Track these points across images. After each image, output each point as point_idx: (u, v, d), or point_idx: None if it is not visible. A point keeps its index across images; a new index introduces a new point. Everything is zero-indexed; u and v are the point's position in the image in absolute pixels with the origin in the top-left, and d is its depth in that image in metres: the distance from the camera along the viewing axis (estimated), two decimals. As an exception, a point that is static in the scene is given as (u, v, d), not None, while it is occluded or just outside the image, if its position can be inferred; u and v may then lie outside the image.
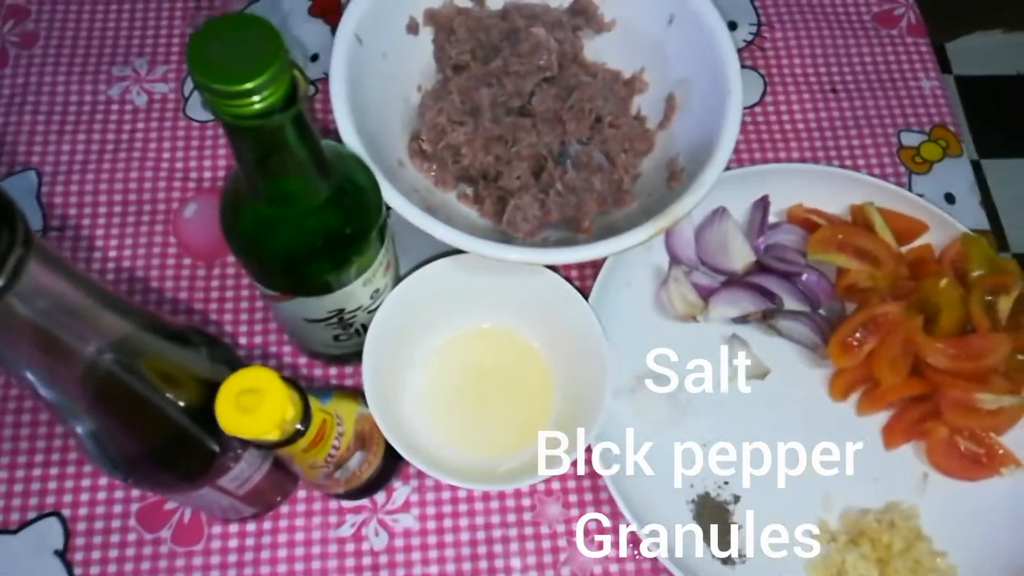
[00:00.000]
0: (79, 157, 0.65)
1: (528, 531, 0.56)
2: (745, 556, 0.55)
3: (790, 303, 0.59)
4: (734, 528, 0.55)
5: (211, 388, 0.36)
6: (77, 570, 0.53)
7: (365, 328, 0.52)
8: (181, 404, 0.39)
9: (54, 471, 0.55)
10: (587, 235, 0.56)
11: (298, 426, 0.39)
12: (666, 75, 0.60)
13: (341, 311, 0.48)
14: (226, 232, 0.43)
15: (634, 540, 0.56)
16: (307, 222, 0.42)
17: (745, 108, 0.69)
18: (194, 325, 0.42)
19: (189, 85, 0.68)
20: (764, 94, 0.70)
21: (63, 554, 0.53)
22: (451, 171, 0.59)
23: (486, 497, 0.56)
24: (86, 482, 0.55)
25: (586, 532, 0.56)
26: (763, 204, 0.63)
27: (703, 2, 0.57)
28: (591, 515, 0.56)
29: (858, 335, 0.57)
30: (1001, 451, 0.56)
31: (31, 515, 0.54)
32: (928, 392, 0.57)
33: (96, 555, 0.54)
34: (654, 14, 0.60)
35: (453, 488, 0.57)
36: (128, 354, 0.36)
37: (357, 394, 0.49)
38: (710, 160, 0.53)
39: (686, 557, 0.53)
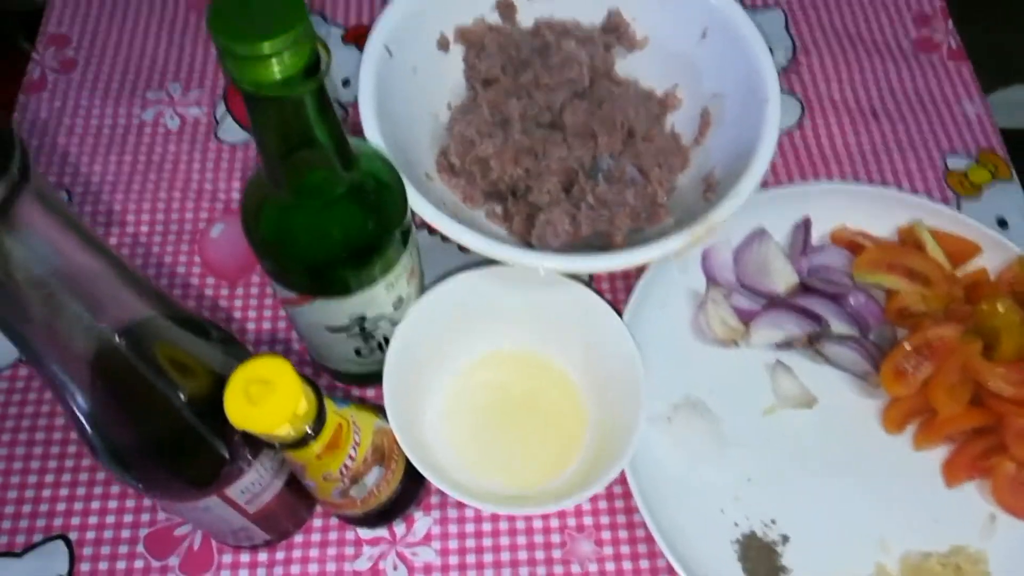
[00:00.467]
0: (110, 178, 0.65)
1: (558, 570, 0.52)
2: (795, 600, 0.50)
3: (838, 326, 0.56)
4: (783, 571, 0.51)
5: (223, 386, 0.34)
6: (80, 596, 0.50)
7: (387, 342, 0.50)
8: (192, 399, 0.37)
9: (63, 492, 0.53)
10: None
11: (310, 427, 0.37)
12: (700, 90, 0.59)
13: (363, 318, 0.46)
14: (246, 226, 0.42)
15: (672, 579, 0.51)
16: (328, 213, 0.40)
17: (782, 131, 0.67)
18: (213, 320, 0.40)
19: (221, 109, 0.68)
20: (802, 118, 0.68)
21: (67, 579, 0.51)
22: (480, 186, 0.57)
23: (512, 532, 0.53)
24: (95, 505, 0.53)
25: (620, 573, 0.52)
26: (805, 225, 0.60)
27: (737, 11, 0.56)
28: (626, 554, 0.52)
29: (912, 361, 0.53)
30: (1075, 487, 0.51)
31: (37, 538, 0.52)
32: (991, 424, 0.53)
33: (101, 582, 0.51)
34: (687, 29, 0.59)
35: (477, 520, 0.53)
36: (142, 338, 0.34)
37: (377, 410, 0.47)
38: (748, 168, 0.51)
39: (729, 599, 0.49)
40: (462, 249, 0.61)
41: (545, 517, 0.53)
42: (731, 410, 0.55)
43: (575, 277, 0.53)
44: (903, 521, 0.52)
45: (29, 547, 0.52)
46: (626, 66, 0.62)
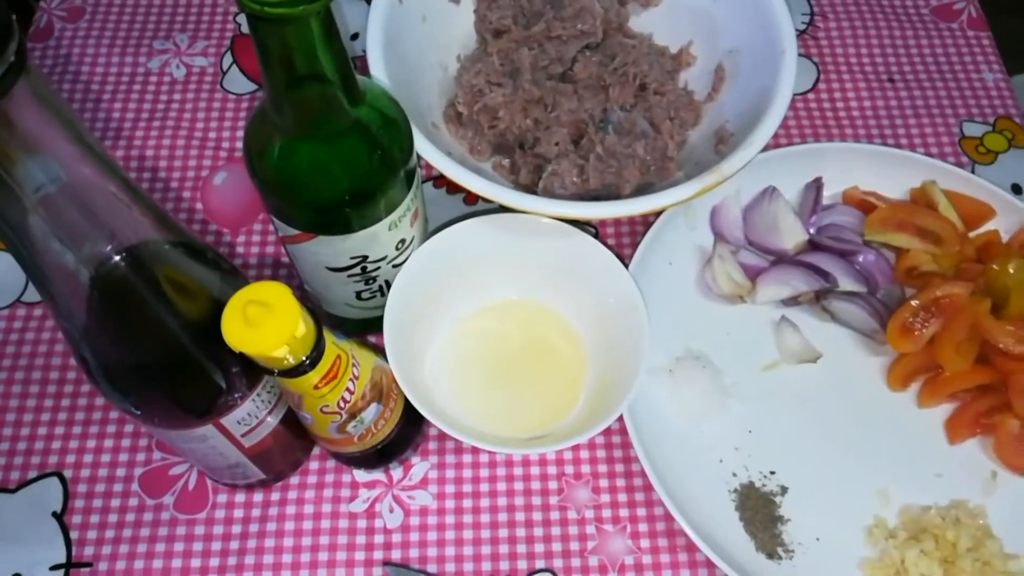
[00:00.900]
0: (113, 124, 0.64)
1: (554, 516, 0.51)
2: (792, 552, 0.50)
3: (845, 283, 0.55)
4: (780, 521, 0.50)
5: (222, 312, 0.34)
6: (73, 533, 0.50)
7: (389, 286, 0.49)
8: (192, 323, 0.36)
9: (59, 431, 0.53)
10: (628, 202, 0.53)
11: (308, 355, 0.36)
12: (715, 46, 0.58)
13: (364, 258, 0.46)
14: (248, 160, 0.41)
15: (669, 530, 0.51)
16: (332, 148, 0.40)
17: (797, 94, 0.67)
18: (216, 250, 0.40)
19: (228, 59, 0.68)
20: (817, 81, 0.67)
21: (60, 516, 0.51)
22: (487, 137, 0.57)
23: (509, 478, 0.52)
24: (91, 443, 0.53)
25: (616, 520, 0.51)
26: (816, 185, 0.59)
27: (755, -35, 0.55)
28: (623, 502, 0.52)
29: (920, 317, 0.53)
30: (1082, 449, 0.51)
31: (31, 474, 0.52)
32: (997, 382, 0.52)
33: (95, 519, 0.51)
34: (703, -17, 0.58)
35: (474, 466, 0.53)
36: (144, 258, 0.34)
37: (376, 350, 0.46)
38: (763, 118, 0.50)
39: (727, 550, 0.48)
40: (467, 201, 0.61)
41: (542, 463, 0.53)
42: (734, 364, 0.55)
43: (581, 228, 0.52)
44: (904, 475, 0.52)
45: (23, 483, 0.51)
46: (640, 23, 0.61)
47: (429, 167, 0.62)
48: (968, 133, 0.65)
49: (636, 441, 0.50)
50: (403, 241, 0.47)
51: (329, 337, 0.38)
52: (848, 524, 0.51)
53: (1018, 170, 0.63)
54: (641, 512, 0.52)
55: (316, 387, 0.38)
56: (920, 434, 0.53)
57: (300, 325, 0.34)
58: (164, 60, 0.67)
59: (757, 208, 0.58)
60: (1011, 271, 0.53)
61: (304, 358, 0.36)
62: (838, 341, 0.56)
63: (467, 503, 0.52)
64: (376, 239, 0.45)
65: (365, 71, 0.50)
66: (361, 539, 0.50)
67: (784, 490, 0.52)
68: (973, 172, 0.63)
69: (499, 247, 0.52)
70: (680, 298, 0.57)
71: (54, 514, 0.51)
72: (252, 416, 0.42)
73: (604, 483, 0.52)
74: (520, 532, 0.51)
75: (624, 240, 0.60)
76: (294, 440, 0.49)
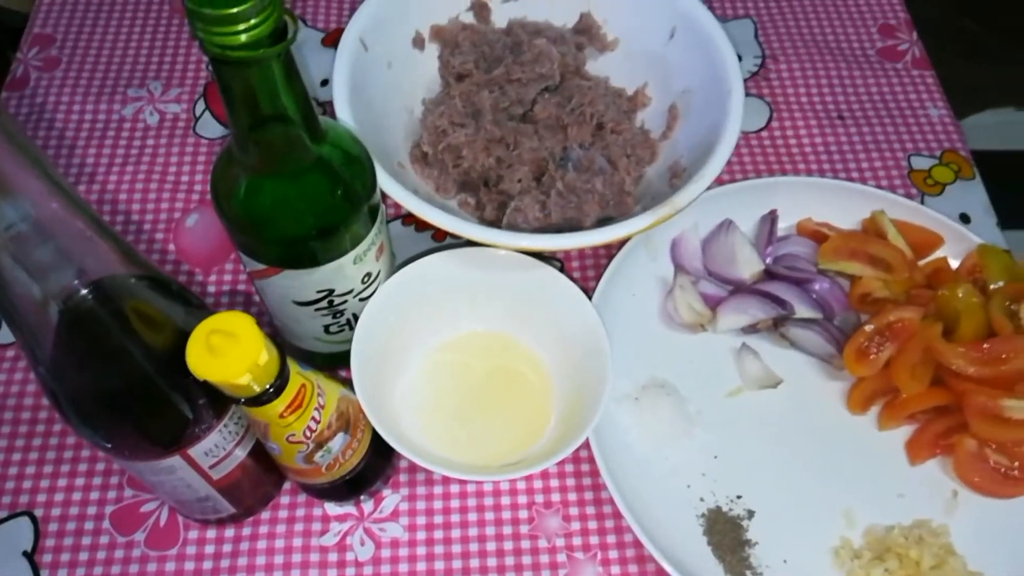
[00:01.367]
0: (87, 170, 0.66)
1: (525, 545, 0.52)
2: (761, 574, 0.50)
3: (802, 310, 0.57)
4: (748, 544, 0.51)
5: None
6: (44, 572, 0.50)
7: (356, 319, 0.50)
8: (158, 356, 0.37)
9: (30, 471, 0.53)
10: (589, 235, 0.55)
11: (273, 383, 0.37)
12: (668, 87, 0.61)
13: (331, 292, 0.47)
14: (215, 196, 0.43)
15: (639, 556, 0.51)
16: (295, 184, 0.41)
17: (751, 133, 0.69)
18: (182, 284, 0.41)
19: (200, 106, 0.69)
20: (770, 120, 0.70)
21: (31, 555, 0.50)
22: (452, 176, 0.58)
23: (480, 508, 0.53)
24: (61, 482, 0.53)
25: (587, 548, 0.52)
26: (771, 217, 0.61)
27: (702, 12, 0.58)
28: (593, 529, 0.52)
29: (875, 342, 0.54)
30: (1035, 465, 0.52)
31: (2, 514, 0.52)
32: (952, 403, 0.53)
33: (65, 557, 0.50)
34: (656, 29, 0.61)
35: (445, 498, 0.53)
36: (110, 292, 0.35)
37: (343, 382, 0.47)
38: (713, 154, 0.52)
39: (696, 574, 0.49)
40: (435, 239, 0.62)
41: (513, 493, 0.53)
42: (697, 391, 0.56)
43: (547, 261, 0.54)
44: (868, 497, 0.53)
45: (-6, 525, 0.51)
46: (597, 67, 0.64)
47: (398, 206, 0.64)
48: (916, 166, 0.68)
49: (604, 469, 0.51)
50: (369, 275, 0.48)
51: (293, 366, 0.39)
52: (814, 546, 0.52)
53: (965, 200, 0.66)
54: (611, 539, 0.52)
55: (281, 415, 0.39)
56: (882, 456, 0.55)
57: (263, 353, 0.35)
58: (138, 107, 0.69)
59: (715, 240, 0.60)
60: (960, 295, 0.55)
61: (268, 386, 0.37)
62: (798, 367, 0.57)
63: (438, 534, 0.52)
64: (342, 272, 0.46)
65: (333, 116, 0.52)
66: (332, 572, 0.51)
67: (751, 514, 0.52)
68: (923, 203, 0.66)
69: (465, 280, 0.54)
70: (643, 328, 0.58)
71: (24, 553, 0.50)
72: (219, 447, 0.42)
73: (574, 511, 0.53)
74: (491, 562, 0.51)
75: (589, 273, 0.62)
76: (263, 474, 0.49)
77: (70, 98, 0.69)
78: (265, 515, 0.52)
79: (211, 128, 0.68)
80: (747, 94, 0.71)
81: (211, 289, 0.60)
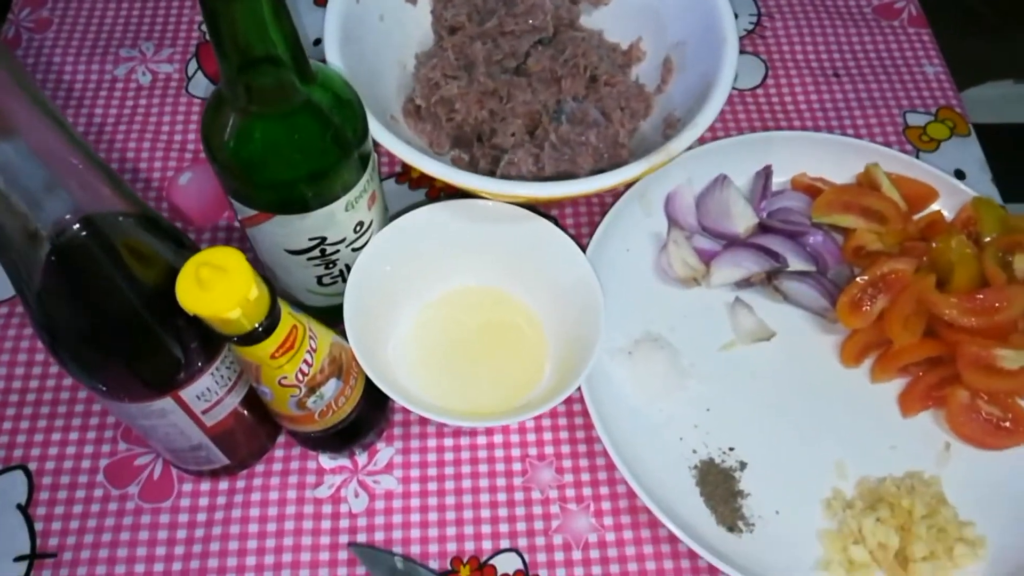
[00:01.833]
0: (80, 129, 0.65)
1: (519, 496, 0.52)
2: (753, 525, 0.50)
3: (795, 263, 0.57)
4: (740, 495, 0.51)
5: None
6: (38, 525, 0.50)
7: (350, 269, 0.50)
8: (149, 294, 0.37)
9: (24, 425, 0.53)
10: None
11: (263, 323, 0.37)
12: (662, 40, 0.60)
13: (323, 240, 0.47)
14: (205, 141, 0.42)
15: (631, 507, 0.52)
16: (284, 124, 0.41)
17: (746, 90, 0.69)
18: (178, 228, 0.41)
19: (193, 66, 0.69)
20: (765, 77, 0.70)
21: (25, 508, 0.51)
22: (445, 130, 0.58)
23: (474, 461, 0.53)
24: (56, 436, 0.53)
25: (580, 499, 0.52)
26: (765, 172, 0.61)
27: (697, -39, 0.57)
28: (586, 481, 0.52)
29: (868, 293, 0.54)
30: (1027, 414, 0.52)
31: (-4, 468, 0.52)
32: (945, 354, 0.53)
33: (59, 510, 0.51)
34: (650, -19, 0.60)
35: (439, 450, 0.53)
36: (102, 228, 0.35)
37: (336, 330, 0.47)
38: (707, 103, 0.52)
39: (689, 524, 0.49)
40: (429, 196, 0.62)
41: (506, 446, 0.53)
42: (691, 345, 0.56)
43: (540, 213, 0.54)
44: (860, 449, 0.53)
45: (-12, 478, 0.51)
46: (592, 21, 0.64)
47: (391, 163, 0.64)
48: (912, 123, 0.67)
49: (597, 421, 0.51)
50: (361, 224, 0.48)
51: (285, 307, 0.39)
52: (806, 497, 0.52)
53: (960, 157, 0.66)
54: (604, 491, 0.52)
55: (273, 356, 0.39)
56: (874, 408, 0.55)
57: (253, 288, 0.35)
58: (130, 67, 0.69)
59: (709, 195, 0.60)
60: (953, 246, 0.54)
61: (258, 324, 0.37)
62: (791, 320, 0.57)
63: (432, 486, 0.52)
64: (333, 219, 0.46)
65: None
66: (326, 524, 0.51)
67: (743, 465, 0.53)
68: (918, 159, 0.65)
69: (459, 233, 0.53)
70: (638, 283, 0.58)
71: (18, 506, 0.51)
72: (211, 392, 0.42)
73: (567, 463, 0.53)
74: (485, 513, 0.51)
75: (583, 230, 0.62)
76: (257, 424, 0.49)
77: (62, 59, 0.69)
78: (259, 468, 0.52)
79: (203, 88, 0.68)
80: (743, 52, 0.71)
81: (204, 246, 0.60)
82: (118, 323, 0.37)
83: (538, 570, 0.50)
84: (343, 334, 0.47)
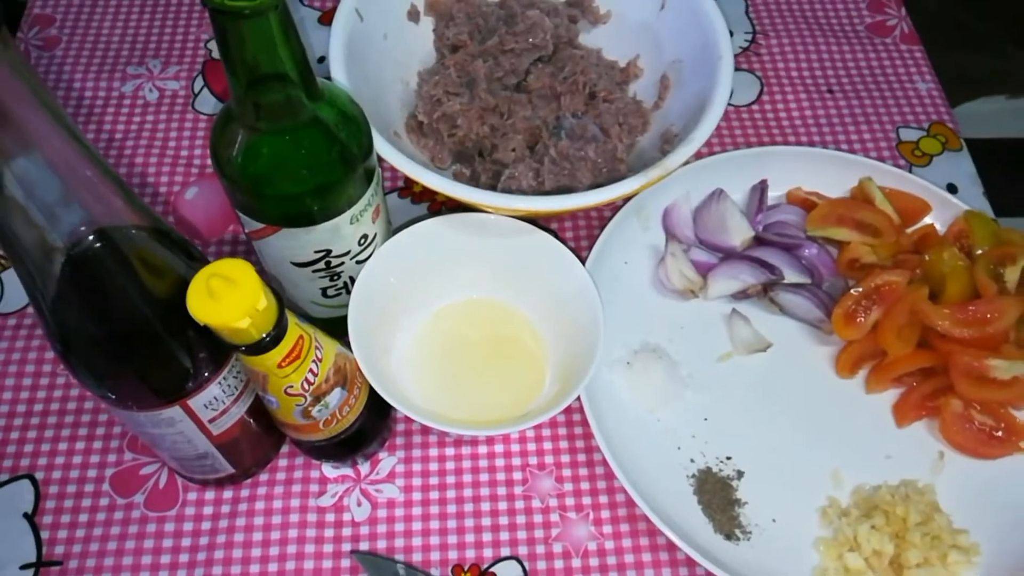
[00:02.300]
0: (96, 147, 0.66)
1: (519, 505, 0.53)
2: (750, 533, 0.51)
3: (791, 275, 0.58)
4: (737, 504, 0.52)
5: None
6: (44, 533, 0.51)
7: (354, 283, 0.51)
8: (160, 305, 0.38)
9: (31, 435, 0.54)
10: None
11: (270, 333, 0.38)
12: (660, 58, 0.61)
13: (328, 252, 0.48)
14: (213, 155, 0.43)
15: (630, 516, 0.52)
16: (291, 140, 0.42)
17: (742, 106, 0.70)
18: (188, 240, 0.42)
19: (199, 83, 0.70)
20: (761, 94, 0.71)
21: (31, 517, 0.51)
22: (447, 145, 0.59)
23: (475, 470, 0.54)
24: (62, 446, 0.54)
25: (580, 508, 0.53)
26: (761, 187, 0.62)
27: (692, -20, 0.59)
28: (586, 490, 0.53)
29: (862, 305, 0.55)
30: (1020, 423, 0.53)
31: (3, 477, 0.52)
32: (938, 365, 0.54)
33: (65, 519, 0.51)
34: (647, 1, 0.61)
35: (440, 460, 0.54)
36: (115, 239, 0.36)
37: (341, 341, 0.48)
38: (703, 119, 0.53)
39: (687, 532, 0.50)
40: (432, 211, 0.63)
41: (507, 455, 0.54)
42: (689, 356, 0.57)
43: (540, 226, 0.55)
44: (855, 458, 0.54)
45: (-4, 488, 0.52)
46: (590, 40, 0.65)
47: (394, 178, 0.65)
48: (904, 138, 0.69)
49: (597, 431, 0.52)
50: (365, 237, 0.49)
51: (292, 317, 0.40)
52: (803, 505, 0.53)
53: (952, 171, 0.67)
54: (603, 499, 0.53)
55: (280, 365, 0.40)
56: (869, 418, 0.56)
57: (262, 299, 0.36)
58: (137, 84, 0.70)
59: (706, 209, 0.61)
60: (946, 259, 0.56)
61: (266, 335, 0.38)
62: (787, 332, 0.58)
63: (434, 495, 0.53)
64: (338, 233, 0.47)
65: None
66: (329, 532, 0.52)
67: (740, 474, 0.53)
68: (910, 173, 0.66)
69: (461, 246, 0.54)
70: (636, 295, 0.59)
71: (25, 515, 0.51)
72: (219, 401, 0.43)
73: (567, 472, 0.54)
74: (486, 521, 0.52)
75: (583, 243, 0.63)
76: (262, 434, 0.50)
77: (70, 76, 0.70)
78: (263, 477, 0.53)
79: (210, 104, 0.69)
80: (738, 69, 0.72)
81: (212, 259, 0.61)
82: (129, 332, 0.38)
83: (538, 578, 0.50)
84: (348, 345, 0.48)
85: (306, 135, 0.43)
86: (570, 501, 0.53)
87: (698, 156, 0.64)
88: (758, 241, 0.60)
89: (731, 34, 0.74)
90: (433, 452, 0.54)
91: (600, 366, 0.55)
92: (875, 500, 0.51)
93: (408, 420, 0.55)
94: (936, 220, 0.61)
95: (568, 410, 0.56)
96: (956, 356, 0.53)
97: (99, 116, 0.68)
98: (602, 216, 0.63)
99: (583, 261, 0.55)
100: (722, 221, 0.60)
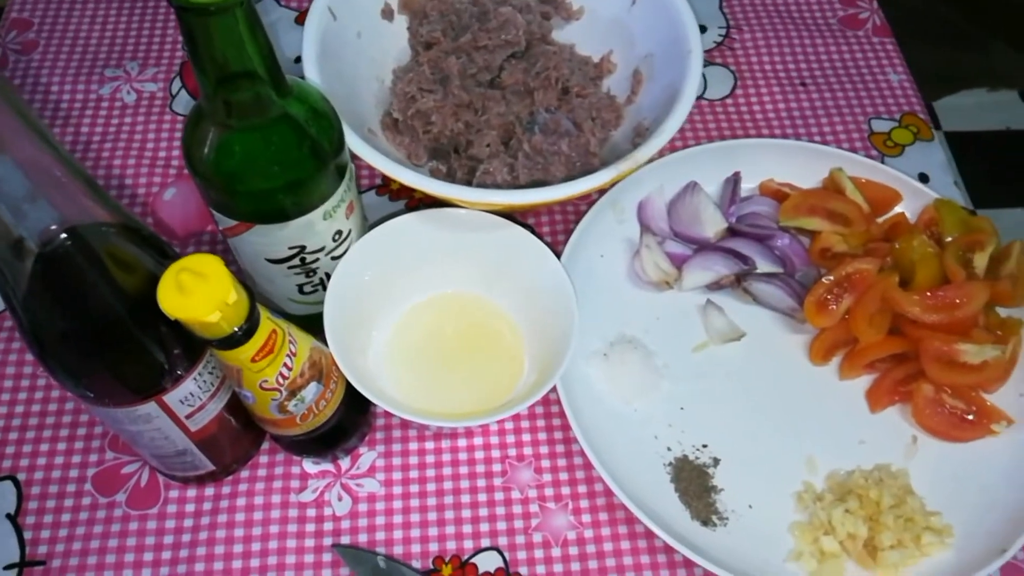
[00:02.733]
0: (66, 148, 0.67)
1: (499, 496, 0.53)
2: (726, 519, 0.52)
3: (764, 265, 0.58)
4: (714, 491, 0.53)
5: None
6: (27, 533, 0.51)
7: (330, 278, 0.51)
8: (133, 302, 0.38)
9: (13, 436, 0.54)
10: (556, 196, 0.56)
11: (242, 326, 0.38)
12: (632, 53, 0.62)
13: (302, 249, 0.48)
14: (186, 153, 0.44)
15: (609, 505, 0.53)
16: (261, 136, 0.43)
17: (716, 100, 0.71)
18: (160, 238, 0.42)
19: (177, 84, 0.71)
20: (735, 88, 0.72)
21: (14, 518, 0.52)
22: (423, 142, 0.60)
23: (455, 463, 0.54)
24: (44, 447, 0.54)
25: (559, 498, 0.53)
26: (734, 178, 0.63)
27: (661, -24, 0.59)
28: (564, 480, 0.54)
29: (834, 293, 0.56)
30: (990, 406, 0.54)
31: (-15, 479, 0.53)
32: (910, 350, 0.55)
33: (48, 519, 0.52)
34: (619, -3, 0.62)
35: (420, 453, 0.55)
36: (87, 238, 0.37)
37: (316, 336, 0.48)
38: (673, 110, 0.54)
39: (664, 519, 0.51)
40: (408, 207, 0.63)
41: (486, 448, 0.55)
42: (665, 347, 0.58)
43: (516, 221, 0.55)
44: (829, 444, 0.54)
45: (-22, 489, 0.52)
46: (563, 36, 0.66)
47: (371, 176, 0.65)
48: (876, 129, 0.70)
49: (574, 422, 0.52)
50: (340, 233, 0.50)
51: (264, 312, 0.41)
52: (778, 491, 0.53)
53: (924, 161, 0.68)
54: (582, 489, 0.54)
55: (253, 360, 0.40)
56: (843, 404, 0.56)
57: (232, 292, 0.37)
58: (115, 87, 0.70)
59: (680, 201, 0.62)
60: (915, 246, 0.56)
61: (237, 328, 0.38)
62: (761, 321, 0.59)
63: (414, 488, 0.53)
64: (312, 228, 0.47)
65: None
66: (310, 527, 0.52)
67: (716, 462, 0.54)
68: (883, 163, 0.67)
69: (437, 241, 0.55)
70: (612, 287, 0.60)
71: (8, 516, 0.52)
72: (195, 396, 0.44)
73: (546, 464, 0.55)
74: (466, 513, 0.53)
75: (560, 238, 0.63)
76: (241, 430, 0.50)
77: (48, 79, 0.71)
78: (244, 474, 0.53)
79: (187, 105, 0.69)
80: (712, 63, 0.73)
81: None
82: (102, 329, 0.38)
83: (518, 567, 0.51)
84: (325, 341, 0.48)
85: (276, 131, 0.43)
86: (549, 492, 0.53)
87: (672, 149, 0.64)
88: (731, 232, 0.60)
89: (705, 29, 0.76)
90: (413, 446, 0.55)
91: (577, 358, 0.56)
92: (849, 484, 0.52)
93: (388, 415, 0.56)
94: (907, 209, 0.62)
95: (546, 402, 0.56)
96: (926, 341, 0.54)
97: (77, 119, 0.68)
98: (578, 211, 0.64)
99: (559, 256, 0.56)
100: (696, 213, 0.61)
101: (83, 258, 0.37)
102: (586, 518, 0.53)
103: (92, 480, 0.53)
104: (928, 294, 0.54)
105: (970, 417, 0.54)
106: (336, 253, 0.51)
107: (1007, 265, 0.56)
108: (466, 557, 0.51)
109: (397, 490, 0.53)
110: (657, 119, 0.56)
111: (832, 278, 0.56)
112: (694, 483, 0.53)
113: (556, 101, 0.60)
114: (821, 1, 0.78)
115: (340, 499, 0.53)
